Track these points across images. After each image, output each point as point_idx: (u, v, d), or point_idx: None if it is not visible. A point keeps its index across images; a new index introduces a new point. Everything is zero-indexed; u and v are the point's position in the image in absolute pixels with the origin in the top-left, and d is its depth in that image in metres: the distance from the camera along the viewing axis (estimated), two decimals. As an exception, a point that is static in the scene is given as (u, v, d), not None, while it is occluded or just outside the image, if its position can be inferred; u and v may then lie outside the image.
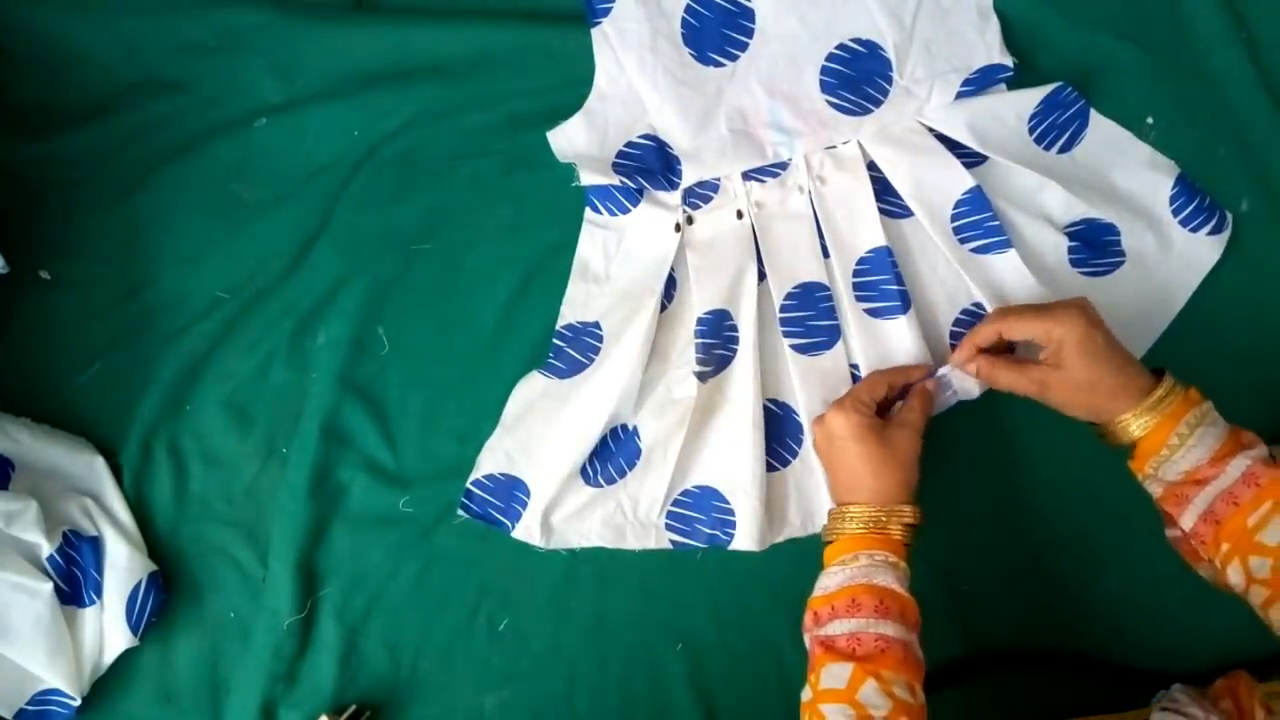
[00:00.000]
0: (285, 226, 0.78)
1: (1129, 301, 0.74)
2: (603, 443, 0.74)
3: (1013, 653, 0.75)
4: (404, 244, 0.77)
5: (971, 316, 0.75)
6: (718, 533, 0.73)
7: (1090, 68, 0.77)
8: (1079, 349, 0.62)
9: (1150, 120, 0.77)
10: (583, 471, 0.74)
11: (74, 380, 0.77)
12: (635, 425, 0.74)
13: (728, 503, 0.73)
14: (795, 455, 0.74)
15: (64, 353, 0.77)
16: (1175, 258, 0.75)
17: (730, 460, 0.73)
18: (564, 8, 0.77)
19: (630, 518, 0.74)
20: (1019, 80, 0.75)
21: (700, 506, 0.74)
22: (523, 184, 0.78)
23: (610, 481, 0.74)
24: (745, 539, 0.72)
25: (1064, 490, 0.76)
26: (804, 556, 0.74)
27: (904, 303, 0.72)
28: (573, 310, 0.77)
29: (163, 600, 0.73)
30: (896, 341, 0.72)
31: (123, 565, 0.72)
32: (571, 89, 0.77)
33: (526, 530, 0.74)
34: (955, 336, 0.75)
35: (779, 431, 0.74)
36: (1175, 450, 0.61)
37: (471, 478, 0.75)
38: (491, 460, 0.75)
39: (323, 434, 0.75)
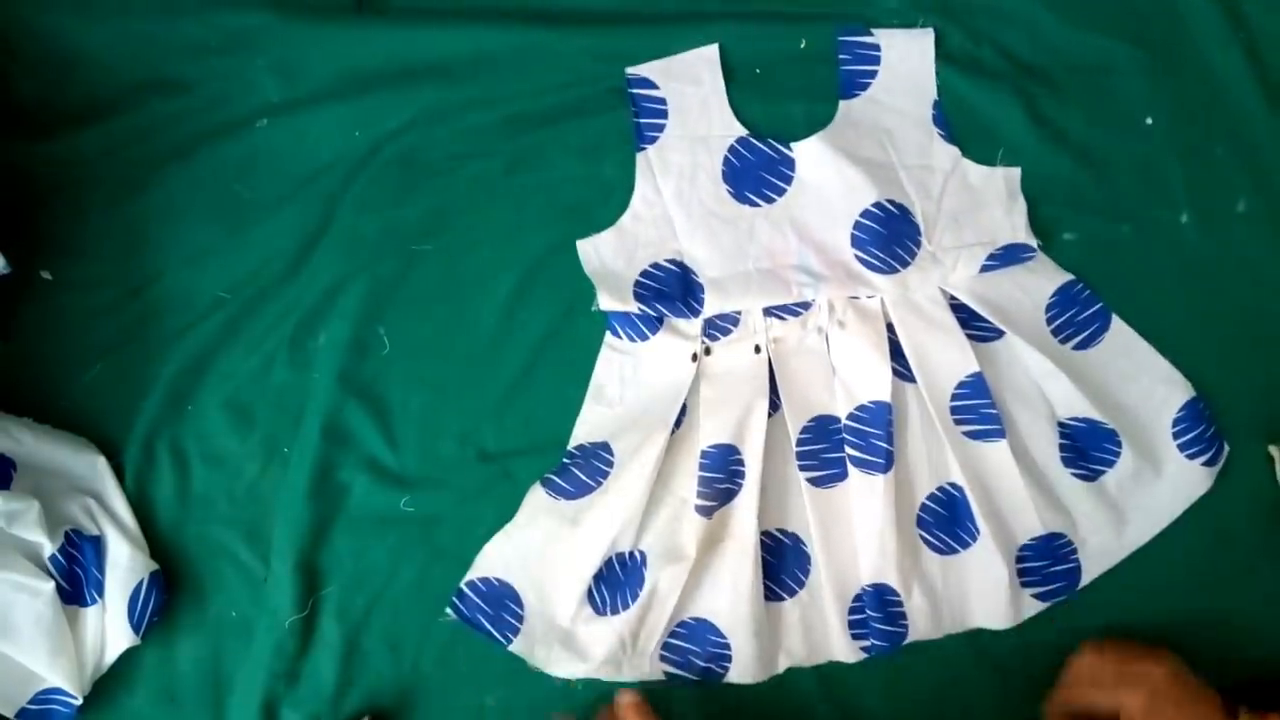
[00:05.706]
0: (287, 227, 0.78)
1: (1106, 510, 0.74)
2: (612, 570, 0.73)
3: (1015, 652, 0.75)
4: (405, 244, 0.78)
5: (945, 495, 0.74)
6: (713, 666, 0.73)
7: (1090, 68, 0.77)
8: None
9: (1150, 120, 0.77)
10: (591, 599, 0.73)
11: (76, 380, 0.77)
12: (643, 552, 0.73)
13: (724, 637, 0.72)
14: (802, 586, 0.74)
15: (66, 353, 0.77)
16: (1165, 480, 0.74)
17: (729, 595, 0.72)
18: (565, 8, 0.77)
19: (629, 651, 0.73)
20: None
21: (695, 639, 0.73)
22: (523, 184, 0.78)
23: (615, 612, 0.73)
24: (742, 672, 0.72)
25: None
26: (804, 556, 0.74)
27: (887, 462, 0.71)
28: (585, 432, 0.76)
29: (164, 600, 0.74)
30: (875, 496, 0.71)
31: (124, 565, 0.72)
32: (572, 89, 0.77)
33: (526, 649, 0.73)
34: (925, 510, 0.74)
35: (786, 562, 0.74)
36: None
37: (468, 577, 0.74)
38: (488, 564, 0.74)
39: (324, 434, 0.75)
